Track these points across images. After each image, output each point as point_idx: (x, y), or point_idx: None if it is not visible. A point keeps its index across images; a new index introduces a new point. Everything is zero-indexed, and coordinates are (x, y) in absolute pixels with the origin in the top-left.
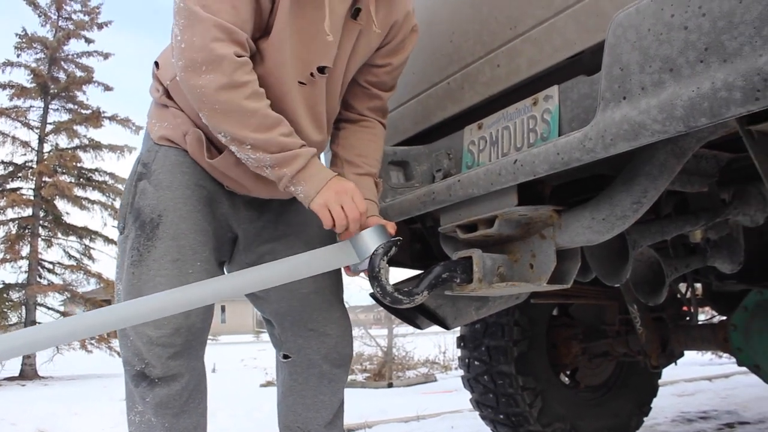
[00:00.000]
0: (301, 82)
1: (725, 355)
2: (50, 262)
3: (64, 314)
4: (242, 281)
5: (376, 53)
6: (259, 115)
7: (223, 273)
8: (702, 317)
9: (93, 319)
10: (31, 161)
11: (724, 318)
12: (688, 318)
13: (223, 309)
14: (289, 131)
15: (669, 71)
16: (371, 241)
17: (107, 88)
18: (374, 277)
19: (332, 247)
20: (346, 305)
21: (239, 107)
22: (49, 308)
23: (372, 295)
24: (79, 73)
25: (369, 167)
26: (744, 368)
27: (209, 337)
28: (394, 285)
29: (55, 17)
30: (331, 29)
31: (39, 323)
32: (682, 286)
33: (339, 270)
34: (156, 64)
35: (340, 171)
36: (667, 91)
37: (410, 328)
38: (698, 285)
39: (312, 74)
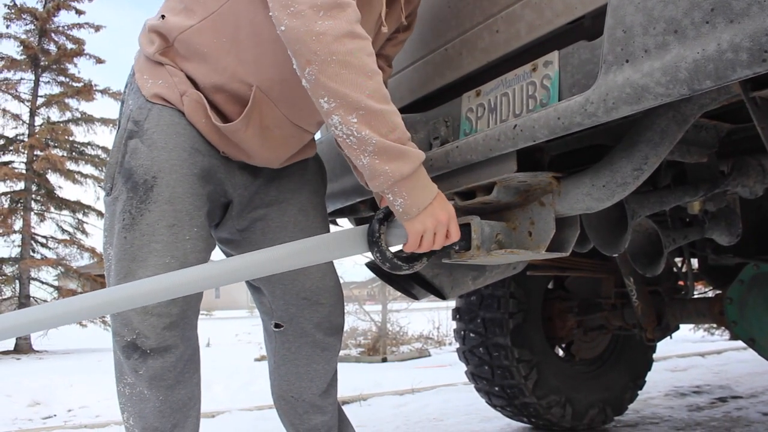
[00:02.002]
0: None
1: (717, 331)
2: (43, 236)
3: (58, 288)
4: (249, 263)
5: None
6: (377, 79)
7: (214, 239)
8: (696, 293)
9: (85, 302)
10: (23, 134)
11: (720, 292)
12: (683, 292)
13: None
14: (400, 117)
15: (673, 33)
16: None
17: (99, 61)
18: (374, 242)
19: (345, 232)
20: (341, 281)
21: (360, 62)
22: (42, 282)
23: (369, 264)
24: (70, 46)
25: None
26: (736, 344)
27: (203, 312)
28: (393, 252)
29: None
30: (386, 20)
31: (33, 297)
32: (679, 261)
33: None
34: (162, 16)
35: None
36: (671, 53)
37: (404, 304)
38: (694, 260)
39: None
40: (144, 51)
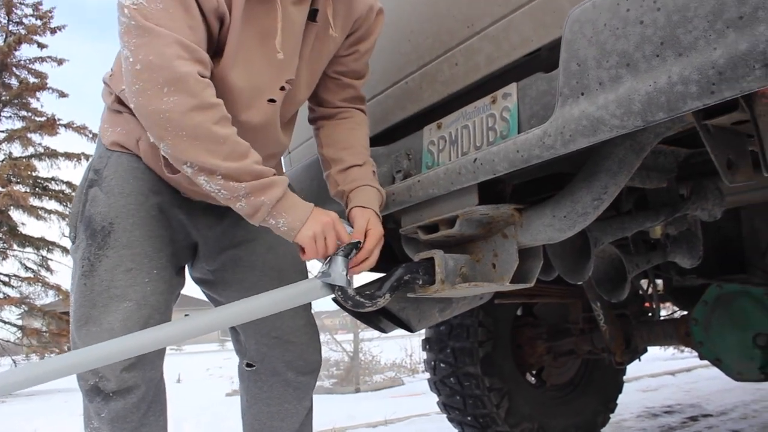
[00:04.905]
0: (271, 100)
1: (687, 349)
2: (6, 275)
3: (21, 328)
4: (212, 320)
5: (341, 44)
6: (231, 141)
7: (183, 278)
8: (664, 313)
9: (45, 367)
10: None
11: (686, 313)
12: (650, 314)
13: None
14: (260, 159)
15: (626, 66)
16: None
17: (62, 95)
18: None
19: (305, 282)
20: (312, 310)
21: (209, 133)
22: (5, 322)
23: (334, 299)
24: (32, 80)
25: (354, 158)
26: (706, 362)
27: (173, 347)
28: (356, 288)
29: (5, 21)
30: (282, 46)
31: None
32: (644, 283)
33: (305, 276)
34: (111, 70)
35: (329, 172)
36: (624, 85)
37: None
38: (659, 281)
39: (282, 88)
40: (105, 102)
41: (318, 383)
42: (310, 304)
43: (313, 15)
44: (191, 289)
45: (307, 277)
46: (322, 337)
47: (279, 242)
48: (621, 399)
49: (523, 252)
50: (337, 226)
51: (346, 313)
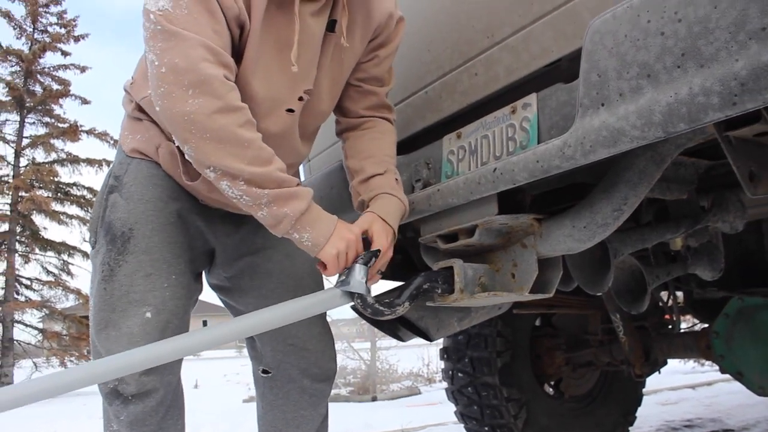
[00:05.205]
0: (289, 110)
1: (707, 363)
2: (28, 278)
3: (42, 331)
4: (233, 329)
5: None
6: (255, 146)
7: (201, 284)
8: (684, 325)
9: (68, 377)
10: (7, 176)
11: (706, 325)
12: (670, 326)
13: (204, 324)
14: (284, 167)
15: (647, 77)
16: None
17: (84, 102)
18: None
19: (324, 291)
20: (329, 319)
21: (234, 136)
22: (27, 325)
23: (353, 307)
24: (55, 87)
25: (375, 168)
26: (726, 375)
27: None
28: (375, 297)
29: (31, 30)
30: (298, 58)
31: (16, 341)
32: (664, 295)
33: (321, 284)
34: (132, 78)
35: (352, 183)
36: (645, 96)
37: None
38: (680, 293)
39: (300, 98)
40: (126, 110)
41: (335, 391)
42: (324, 314)
43: (331, 26)
44: (208, 295)
45: (323, 285)
46: (339, 345)
47: (296, 250)
48: (640, 412)
49: (543, 262)
50: (359, 242)
51: (364, 322)
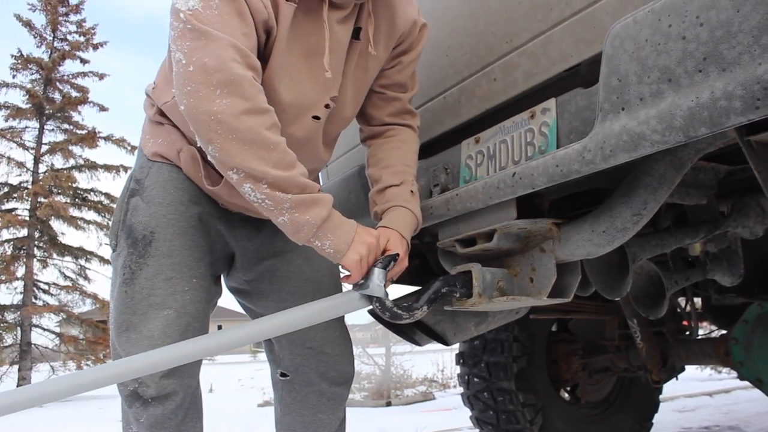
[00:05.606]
0: (315, 117)
1: (725, 370)
2: (46, 283)
3: (59, 335)
4: (251, 331)
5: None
6: (281, 149)
7: (220, 288)
8: (701, 332)
9: (88, 376)
10: (27, 182)
11: (725, 332)
12: (688, 332)
13: (219, 329)
14: (306, 172)
15: (668, 81)
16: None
17: (102, 109)
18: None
19: (343, 294)
20: None
21: (260, 138)
22: (44, 329)
23: (371, 311)
24: (74, 94)
25: (392, 178)
26: (745, 383)
27: (206, 358)
28: (393, 300)
29: (51, 38)
30: (330, 65)
31: (34, 344)
32: (682, 301)
33: (339, 288)
34: (154, 83)
35: (370, 193)
36: (666, 101)
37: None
38: (698, 299)
39: (327, 105)
40: (147, 114)
41: (350, 396)
42: (343, 317)
43: (356, 33)
44: (224, 300)
45: (341, 288)
46: (354, 350)
47: (315, 253)
48: (657, 418)
49: (561, 266)
50: (380, 245)
51: (378, 327)
